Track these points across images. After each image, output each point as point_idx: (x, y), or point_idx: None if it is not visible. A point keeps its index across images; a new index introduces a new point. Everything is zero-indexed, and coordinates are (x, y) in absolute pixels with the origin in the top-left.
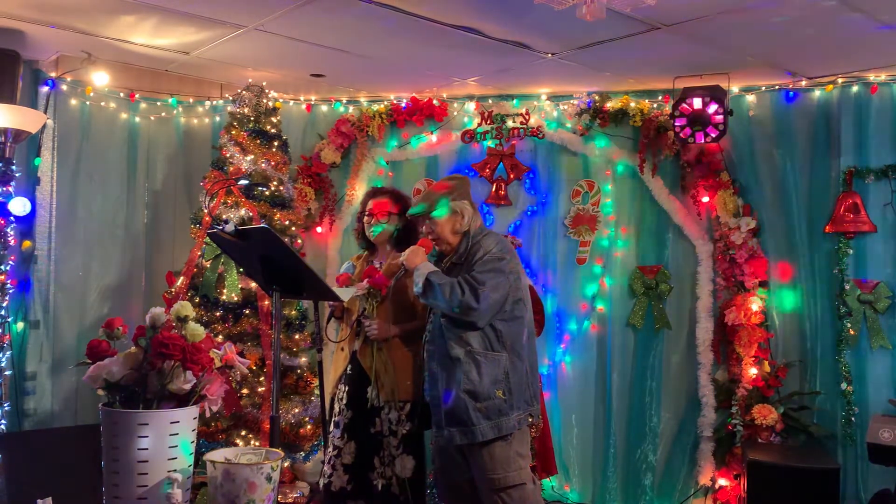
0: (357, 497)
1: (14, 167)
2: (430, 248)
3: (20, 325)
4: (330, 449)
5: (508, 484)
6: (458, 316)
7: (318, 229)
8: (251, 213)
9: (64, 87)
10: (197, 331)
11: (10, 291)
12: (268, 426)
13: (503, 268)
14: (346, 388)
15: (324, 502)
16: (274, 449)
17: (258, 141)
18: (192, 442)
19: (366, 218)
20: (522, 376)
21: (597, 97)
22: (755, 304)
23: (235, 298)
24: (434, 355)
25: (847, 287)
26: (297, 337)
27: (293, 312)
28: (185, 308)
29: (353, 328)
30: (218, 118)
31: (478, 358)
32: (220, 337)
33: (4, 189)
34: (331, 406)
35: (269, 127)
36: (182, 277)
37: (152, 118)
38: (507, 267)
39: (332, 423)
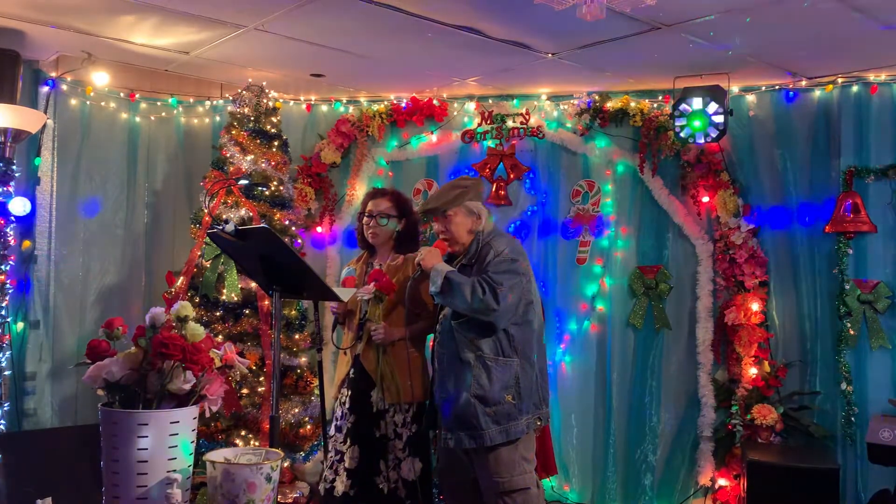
0: (360, 502)
1: (14, 167)
2: (445, 251)
3: (20, 325)
4: (332, 453)
5: (513, 488)
6: (479, 316)
7: (318, 229)
8: (251, 213)
9: (64, 87)
10: (197, 331)
11: (10, 291)
12: (268, 426)
13: (517, 269)
14: (349, 392)
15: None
16: (274, 449)
17: (258, 141)
18: (192, 442)
19: (365, 219)
20: (532, 381)
21: (597, 97)
22: (755, 304)
23: (235, 298)
24: (443, 358)
25: (847, 287)
26: (297, 337)
27: (293, 312)
28: (185, 308)
29: (356, 331)
30: (218, 118)
31: (488, 363)
32: (220, 337)
33: (4, 189)
34: (332, 409)
35: (269, 127)
36: (182, 277)
37: (152, 118)
38: (521, 268)
39: (332, 427)
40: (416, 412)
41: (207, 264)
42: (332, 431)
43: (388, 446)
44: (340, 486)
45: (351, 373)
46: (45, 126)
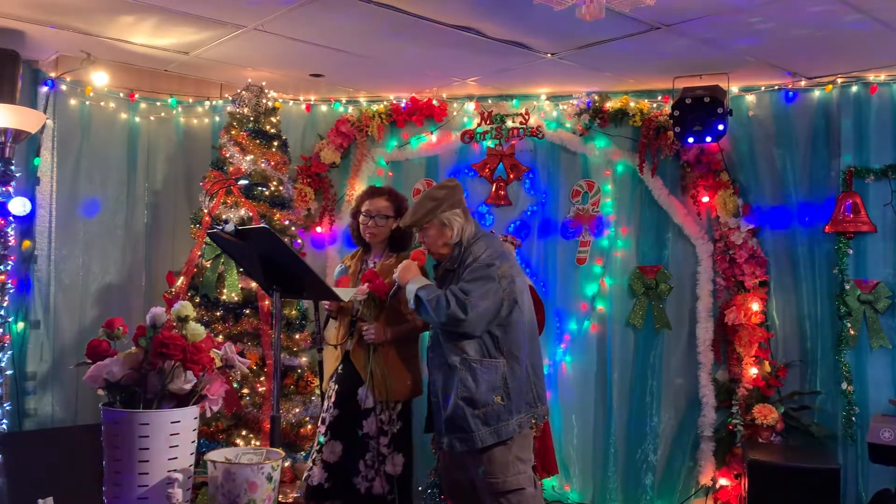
0: (335, 497)
1: (14, 167)
2: (423, 260)
3: (20, 325)
4: (315, 444)
5: (508, 488)
6: (450, 328)
7: (318, 229)
8: (251, 213)
9: (64, 87)
10: (197, 331)
11: (10, 291)
12: (268, 426)
13: (491, 274)
14: (336, 387)
15: (304, 495)
16: (274, 449)
17: (258, 141)
18: (193, 442)
19: (361, 218)
20: (522, 380)
21: (596, 97)
22: (755, 304)
23: (235, 298)
24: (434, 362)
25: (847, 287)
26: (297, 337)
27: (293, 312)
28: (186, 308)
29: (347, 329)
30: (218, 118)
31: (473, 365)
32: (221, 337)
33: (4, 189)
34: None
35: (268, 127)
36: (182, 277)
37: (152, 118)
38: (497, 272)
39: (319, 420)
40: (401, 410)
41: (207, 264)
42: (318, 423)
43: (368, 445)
44: (316, 478)
45: (339, 368)
46: (44, 126)
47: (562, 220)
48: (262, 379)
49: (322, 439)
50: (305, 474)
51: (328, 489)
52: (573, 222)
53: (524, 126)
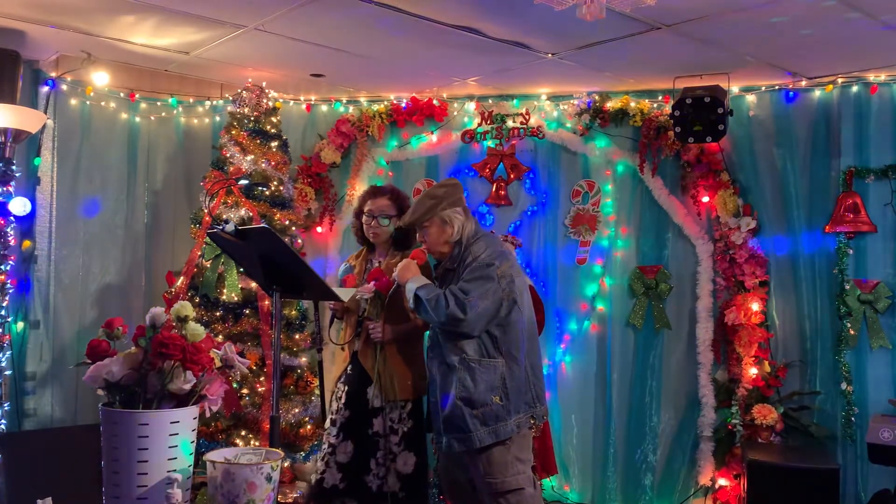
0: (349, 496)
1: (14, 167)
2: (422, 259)
3: (20, 325)
4: (325, 446)
5: (507, 489)
6: (449, 328)
7: (318, 229)
8: (251, 213)
9: (64, 87)
10: (197, 331)
11: (10, 291)
12: (268, 426)
13: (491, 274)
14: (346, 388)
15: (315, 497)
16: (274, 449)
17: (258, 141)
18: (192, 442)
19: (364, 218)
20: (521, 380)
21: (597, 97)
22: (755, 304)
23: (235, 298)
24: (433, 363)
25: (847, 287)
26: (297, 337)
27: (293, 312)
28: (185, 308)
29: (354, 329)
30: (218, 118)
31: (472, 365)
32: (220, 337)
33: (4, 189)
34: (329, 403)
35: (269, 127)
36: (182, 277)
37: (152, 118)
38: (496, 272)
39: (328, 421)
40: (412, 409)
41: (207, 264)
42: (326, 425)
43: (378, 444)
44: (330, 479)
45: (348, 369)
46: (45, 126)
47: (562, 220)
48: (261, 379)
49: (334, 441)
50: (317, 476)
51: (343, 489)
52: (573, 222)
53: (525, 126)
